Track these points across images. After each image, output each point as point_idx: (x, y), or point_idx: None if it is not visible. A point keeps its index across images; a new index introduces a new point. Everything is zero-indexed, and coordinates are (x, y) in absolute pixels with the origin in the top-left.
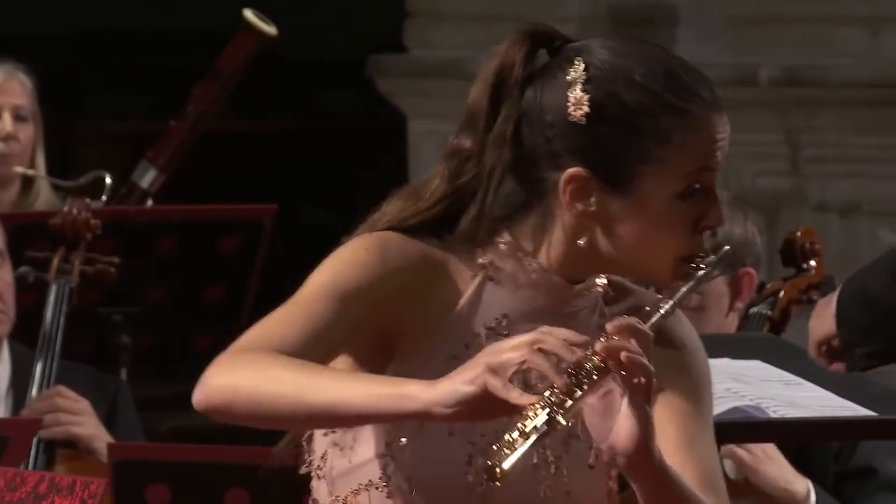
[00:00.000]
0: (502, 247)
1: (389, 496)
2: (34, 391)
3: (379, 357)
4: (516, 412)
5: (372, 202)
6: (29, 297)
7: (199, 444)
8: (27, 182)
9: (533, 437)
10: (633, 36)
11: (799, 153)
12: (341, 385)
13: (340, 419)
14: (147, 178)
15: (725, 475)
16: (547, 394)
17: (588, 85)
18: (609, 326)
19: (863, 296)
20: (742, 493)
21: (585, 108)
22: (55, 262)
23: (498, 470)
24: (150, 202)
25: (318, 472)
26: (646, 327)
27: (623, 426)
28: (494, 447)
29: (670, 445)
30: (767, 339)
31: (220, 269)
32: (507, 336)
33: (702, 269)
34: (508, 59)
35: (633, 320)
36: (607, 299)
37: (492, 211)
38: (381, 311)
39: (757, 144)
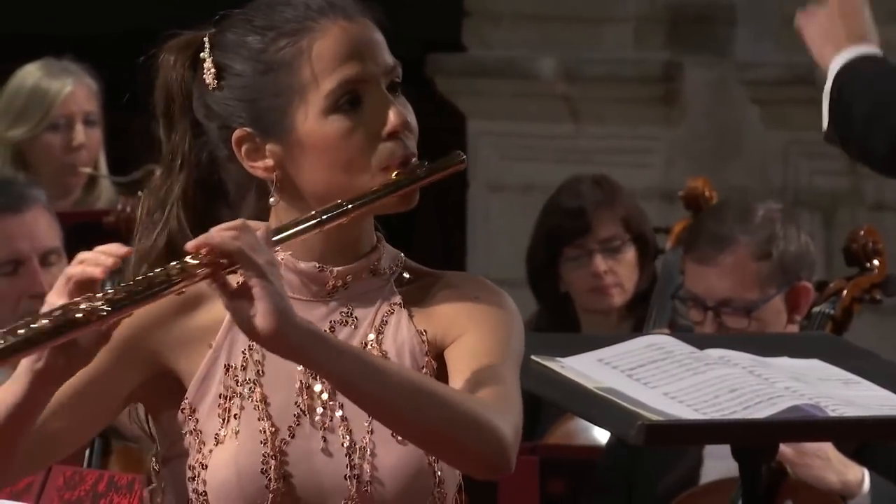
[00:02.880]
0: None
1: None
2: None
3: (171, 395)
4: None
5: (430, 201)
6: None
7: None
8: (90, 182)
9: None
10: None
11: None
12: None
13: (8, 429)
14: None
15: (785, 472)
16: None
17: (213, 51)
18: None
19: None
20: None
21: (213, 71)
22: None
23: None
24: None
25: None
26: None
27: (253, 312)
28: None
29: (459, 368)
30: (826, 338)
31: None
32: None
33: (399, 174)
34: (165, 73)
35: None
36: (401, 281)
37: (189, 217)
38: (138, 362)
39: (813, 143)
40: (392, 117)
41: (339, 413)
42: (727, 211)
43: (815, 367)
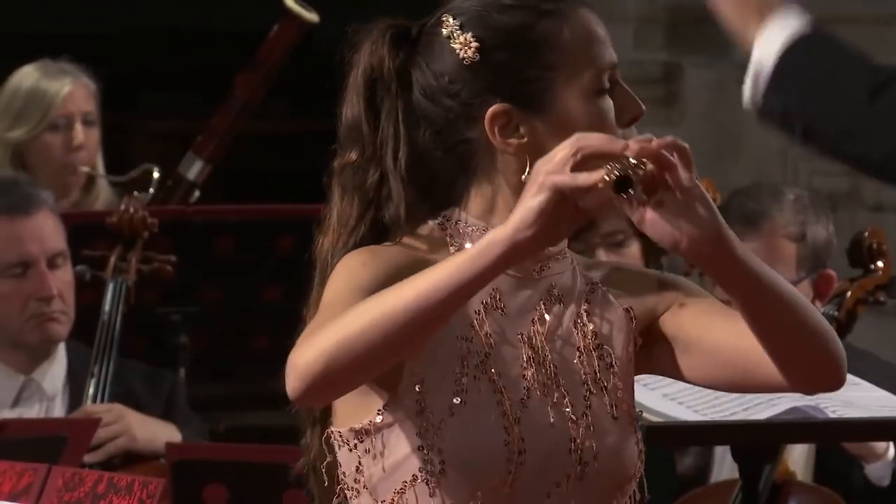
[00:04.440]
0: (464, 227)
1: (433, 485)
2: (91, 389)
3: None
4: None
5: None
6: (86, 295)
7: (257, 445)
8: (88, 182)
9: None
10: None
11: None
12: (422, 280)
13: (440, 308)
14: (194, 169)
15: (793, 474)
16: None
17: (466, 28)
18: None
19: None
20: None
21: (474, 44)
22: (112, 260)
23: (615, 178)
24: (196, 193)
25: (356, 485)
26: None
27: (688, 219)
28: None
29: (721, 314)
30: None
31: (278, 269)
32: (503, 309)
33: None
34: (375, 58)
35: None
36: (584, 265)
37: (419, 199)
38: None
39: None
40: (635, 106)
41: (562, 389)
42: (760, 190)
43: None
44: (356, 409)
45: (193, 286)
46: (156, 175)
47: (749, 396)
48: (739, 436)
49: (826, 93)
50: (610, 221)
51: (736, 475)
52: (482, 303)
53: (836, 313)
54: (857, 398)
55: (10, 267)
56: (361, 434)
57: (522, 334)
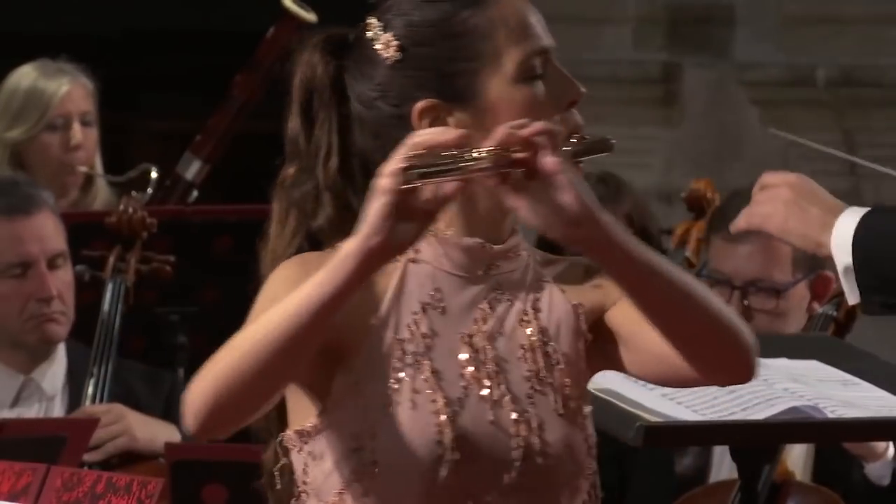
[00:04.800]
0: None
1: (367, 485)
2: (90, 389)
3: (325, 365)
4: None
5: None
6: (85, 295)
7: (256, 444)
8: (87, 182)
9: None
10: None
11: (855, 153)
12: (286, 303)
13: (307, 328)
14: (192, 169)
15: (792, 474)
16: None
17: (387, 28)
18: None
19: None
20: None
21: (395, 44)
22: (111, 260)
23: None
24: (195, 193)
25: (305, 487)
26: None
27: (551, 204)
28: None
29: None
30: (824, 339)
31: None
32: (444, 309)
33: (577, 139)
34: (309, 70)
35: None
36: (540, 261)
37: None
38: None
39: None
40: (574, 89)
41: (503, 386)
42: None
43: (813, 369)
44: (302, 411)
45: (192, 286)
46: (154, 175)
47: (748, 396)
48: (738, 436)
49: None
50: None
51: (735, 475)
52: (420, 303)
53: (834, 313)
54: (856, 398)
55: (10, 267)
56: (305, 436)
57: (463, 333)
